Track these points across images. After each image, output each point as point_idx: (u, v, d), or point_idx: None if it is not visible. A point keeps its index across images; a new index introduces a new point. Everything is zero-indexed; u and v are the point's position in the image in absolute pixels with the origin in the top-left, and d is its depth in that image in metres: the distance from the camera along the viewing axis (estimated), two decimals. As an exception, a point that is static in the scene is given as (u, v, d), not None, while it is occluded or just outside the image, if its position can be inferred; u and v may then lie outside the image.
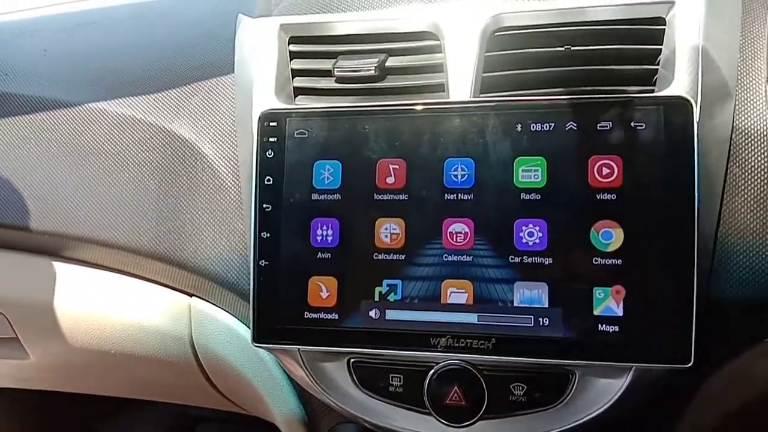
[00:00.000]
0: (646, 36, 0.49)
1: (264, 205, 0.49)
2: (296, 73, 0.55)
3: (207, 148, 0.58)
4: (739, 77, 0.49)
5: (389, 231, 0.47)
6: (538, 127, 0.46)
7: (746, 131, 0.48)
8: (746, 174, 0.47)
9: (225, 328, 0.58)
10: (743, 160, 0.47)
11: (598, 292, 0.44)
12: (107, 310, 0.64)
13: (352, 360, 0.48)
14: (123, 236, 0.59)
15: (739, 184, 0.47)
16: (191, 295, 0.60)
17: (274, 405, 0.57)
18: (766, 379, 0.50)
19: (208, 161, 0.57)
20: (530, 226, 0.45)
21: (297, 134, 0.50)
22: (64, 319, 0.65)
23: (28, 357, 0.70)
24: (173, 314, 0.61)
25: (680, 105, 0.44)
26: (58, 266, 0.64)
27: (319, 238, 0.48)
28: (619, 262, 0.43)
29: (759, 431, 0.55)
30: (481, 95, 0.49)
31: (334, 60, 0.53)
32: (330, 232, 0.48)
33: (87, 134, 0.62)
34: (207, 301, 0.59)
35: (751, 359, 0.49)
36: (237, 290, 0.55)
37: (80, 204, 0.61)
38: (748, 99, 0.49)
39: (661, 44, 0.48)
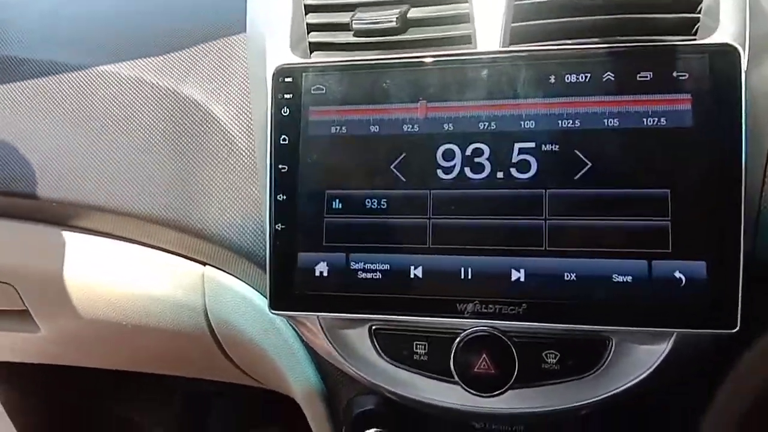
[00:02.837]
0: None
1: (280, 166, 0.47)
2: (312, 27, 0.52)
3: (219, 111, 0.55)
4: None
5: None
6: (573, 78, 0.43)
7: None
8: None
9: (240, 298, 0.56)
10: None
11: (634, 255, 0.41)
12: (118, 280, 0.62)
13: (374, 327, 0.46)
14: (133, 203, 0.57)
15: None
16: (204, 264, 0.58)
17: (291, 376, 0.55)
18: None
19: (220, 124, 0.55)
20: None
21: (314, 90, 0.47)
22: (74, 291, 0.63)
23: (39, 330, 0.69)
24: (186, 284, 0.59)
25: (726, 53, 0.41)
26: (67, 235, 0.62)
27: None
28: (663, 222, 0.41)
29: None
30: (511, 46, 0.46)
31: (353, 13, 0.50)
32: None
33: (95, 98, 0.60)
34: (221, 269, 0.57)
35: None
36: (252, 258, 0.53)
37: (88, 170, 0.59)
38: (796, 52, 0.45)
39: None
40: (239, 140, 0.54)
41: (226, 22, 0.58)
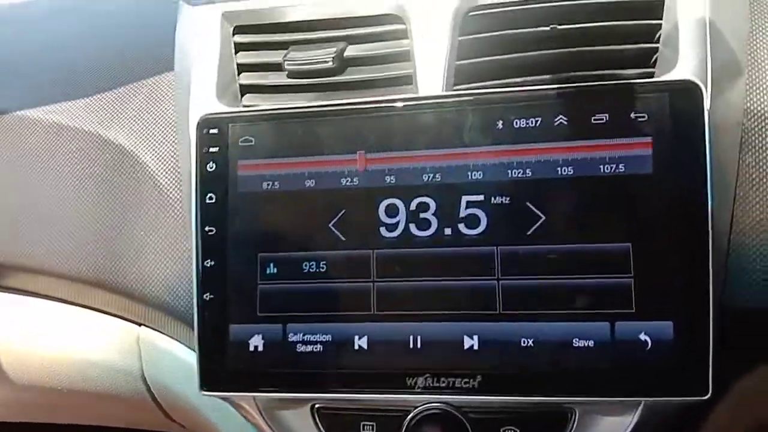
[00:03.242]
0: (643, 9, 0.42)
1: (207, 228, 0.42)
2: (243, 68, 0.47)
3: (148, 158, 0.50)
4: (749, 53, 0.43)
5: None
6: (522, 123, 0.39)
7: (758, 114, 0.41)
8: (760, 163, 0.41)
9: (178, 361, 0.51)
10: (757, 147, 0.41)
11: (596, 316, 0.37)
12: (51, 343, 0.57)
13: (316, 406, 0.41)
14: (61, 263, 0.53)
15: (753, 176, 0.41)
16: (140, 325, 0.54)
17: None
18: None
19: (150, 173, 0.50)
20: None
21: (243, 142, 0.43)
22: (4, 356, 0.58)
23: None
24: (122, 346, 0.55)
25: (688, 90, 0.38)
26: (-6, 296, 0.57)
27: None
28: (625, 279, 0.37)
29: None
30: (455, 87, 0.42)
31: (285, 51, 0.46)
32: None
33: (17, 148, 0.55)
34: (157, 330, 0.53)
35: None
36: (188, 321, 0.48)
37: (13, 227, 0.54)
38: (760, 77, 0.42)
39: (661, 18, 0.42)
40: (171, 192, 0.49)
41: (155, 58, 0.54)
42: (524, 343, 0.38)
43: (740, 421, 0.46)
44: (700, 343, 0.36)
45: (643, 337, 0.37)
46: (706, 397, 0.36)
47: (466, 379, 0.38)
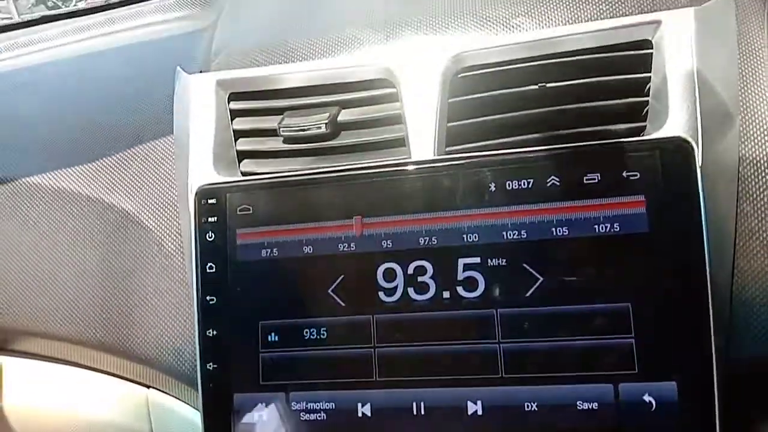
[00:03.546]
0: (631, 63, 0.42)
1: (208, 298, 0.43)
2: (239, 134, 0.48)
3: (151, 222, 0.51)
4: (741, 99, 0.43)
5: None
6: (515, 185, 0.39)
7: (754, 161, 0.41)
8: (758, 211, 0.41)
9: (188, 423, 0.52)
10: (754, 195, 0.41)
11: (598, 378, 0.37)
12: (59, 406, 0.58)
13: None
14: (66, 327, 0.53)
15: (752, 225, 0.41)
16: (148, 387, 0.54)
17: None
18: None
19: (153, 236, 0.51)
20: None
21: (241, 210, 0.43)
22: (14, 418, 0.58)
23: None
24: (130, 408, 0.55)
25: (678, 148, 0.38)
26: (2, 359, 0.58)
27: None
28: (626, 340, 0.37)
29: None
30: (447, 148, 0.42)
31: (281, 117, 0.46)
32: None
33: (21, 215, 0.56)
34: (165, 392, 0.53)
35: None
36: (194, 384, 0.49)
37: (18, 291, 0.55)
38: (754, 123, 0.42)
39: (650, 71, 0.42)
40: (175, 256, 0.50)
41: (155, 120, 0.54)
42: (528, 407, 0.38)
43: None
44: (706, 403, 0.36)
45: (647, 398, 0.37)
46: (713, 458, 0.36)
47: None
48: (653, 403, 0.36)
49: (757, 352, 0.40)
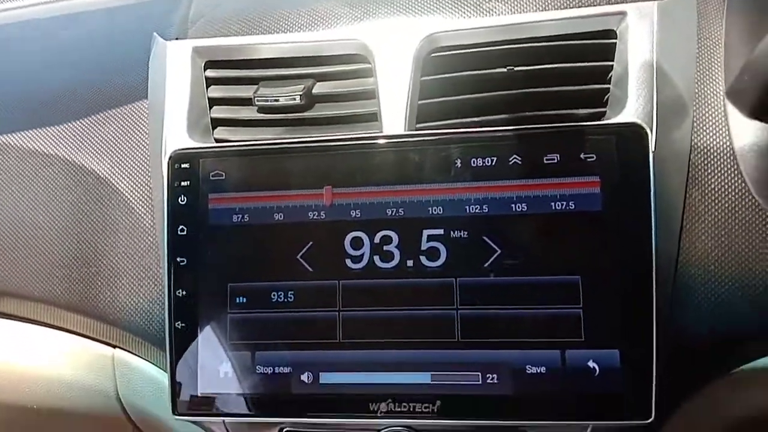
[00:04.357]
0: (595, 51, 0.45)
1: (178, 259, 0.44)
2: (214, 101, 0.49)
3: (123, 185, 0.52)
4: (697, 91, 0.45)
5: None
6: (479, 162, 0.41)
7: (705, 150, 0.44)
8: (706, 196, 0.44)
9: (152, 383, 0.53)
10: (702, 181, 0.44)
11: (547, 345, 0.40)
12: (26, 363, 0.58)
13: (284, 429, 0.43)
14: (35, 286, 0.54)
15: (699, 209, 0.43)
16: (114, 347, 0.55)
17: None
18: (729, 416, 0.46)
19: (124, 199, 0.51)
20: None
21: (213, 176, 0.44)
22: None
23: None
24: (96, 367, 0.56)
25: (634, 133, 0.40)
26: (-33, 318, 0.58)
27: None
28: (574, 310, 0.39)
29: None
30: (417, 125, 0.44)
31: (256, 87, 0.47)
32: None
33: (-10, 171, 0.56)
34: (132, 353, 0.54)
35: (714, 394, 0.46)
36: (161, 344, 0.50)
37: (-13, 251, 0.55)
38: (707, 114, 0.45)
39: (612, 60, 0.44)
40: (145, 219, 0.50)
41: (131, 84, 0.55)
42: (481, 369, 0.40)
43: None
44: (645, 371, 0.39)
45: (591, 364, 0.39)
46: (649, 421, 0.39)
47: (426, 404, 0.40)
48: (597, 368, 0.39)
49: (698, 326, 0.43)
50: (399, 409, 0.41)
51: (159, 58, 0.51)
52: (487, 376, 0.40)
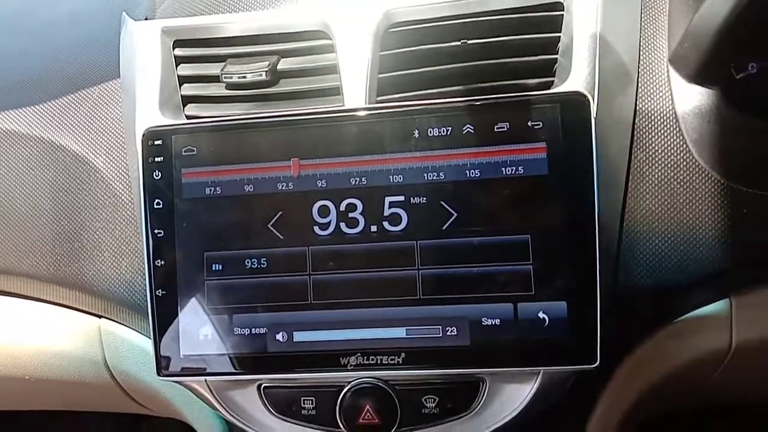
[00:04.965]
0: (543, 23, 0.47)
1: (156, 231, 0.46)
2: (184, 79, 0.51)
3: (100, 162, 0.54)
4: (641, 58, 0.48)
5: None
6: (436, 132, 0.44)
7: (649, 114, 0.47)
8: (650, 158, 0.47)
9: (138, 350, 0.56)
10: (646, 144, 0.47)
11: (501, 298, 0.43)
12: (15, 336, 0.60)
13: (262, 385, 0.47)
14: (20, 262, 0.56)
15: (644, 170, 0.47)
16: (100, 317, 0.58)
17: (196, 423, 0.56)
18: (673, 361, 0.51)
19: (102, 176, 0.53)
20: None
21: (186, 152, 0.47)
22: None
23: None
24: (84, 337, 0.58)
25: (576, 101, 0.43)
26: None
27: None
28: (525, 266, 0.43)
29: (671, 414, 0.57)
30: (378, 98, 0.47)
31: (223, 64, 0.49)
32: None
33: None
34: (117, 322, 0.57)
35: (659, 342, 0.50)
36: (145, 312, 0.53)
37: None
38: (651, 81, 0.48)
39: (560, 31, 0.47)
40: (122, 193, 0.53)
41: (104, 63, 0.56)
42: (441, 323, 0.44)
43: (633, 385, 0.53)
44: (590, 320, 0.43)
45: (541, 315, 0.43)
46: (593, 366, 0.43)
47: (392, 356, 0.44)
48: (546, 319, 0.43)
49: (642, 278, 0.47)
50: (367, 362, 0.44)
51: (129, 38, 0.53)
52: (447, 329, 0.44)
